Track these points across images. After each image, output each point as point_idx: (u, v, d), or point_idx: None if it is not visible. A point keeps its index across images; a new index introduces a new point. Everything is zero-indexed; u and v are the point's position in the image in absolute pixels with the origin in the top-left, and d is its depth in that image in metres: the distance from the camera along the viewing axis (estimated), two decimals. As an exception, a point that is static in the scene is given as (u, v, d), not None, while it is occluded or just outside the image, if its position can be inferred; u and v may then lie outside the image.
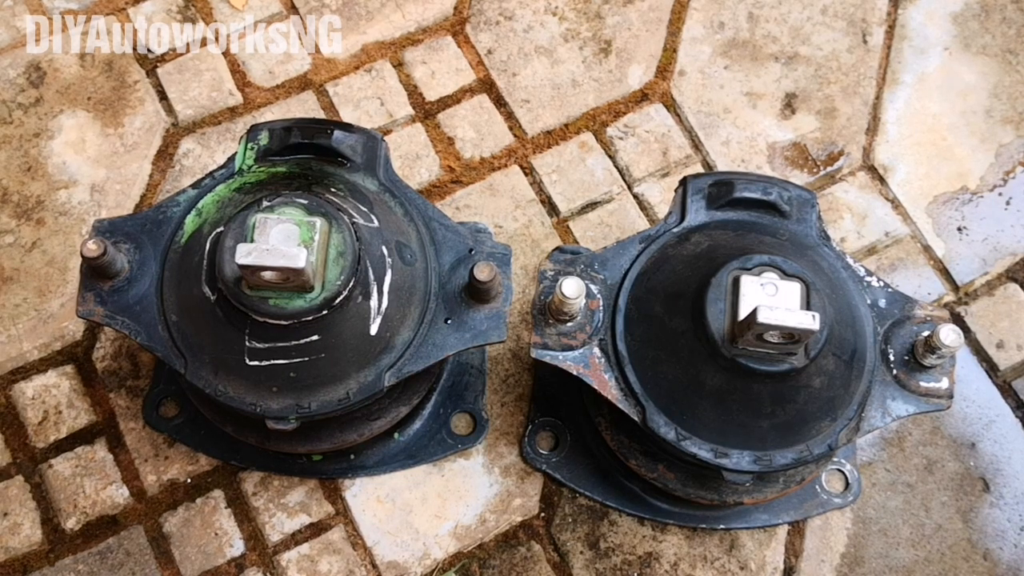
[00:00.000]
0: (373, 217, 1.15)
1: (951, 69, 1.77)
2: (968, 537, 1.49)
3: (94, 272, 1.15)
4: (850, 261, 1.26)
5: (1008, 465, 1.52)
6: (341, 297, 1.07)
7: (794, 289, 1.10)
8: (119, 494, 1.45)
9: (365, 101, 1.70)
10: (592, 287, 1.22)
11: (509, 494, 1.48)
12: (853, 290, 1.22)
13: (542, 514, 1.47)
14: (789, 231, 1.25)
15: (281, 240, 1.03)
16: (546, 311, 1.20)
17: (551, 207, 1.64)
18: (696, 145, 1.70)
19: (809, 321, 1.01)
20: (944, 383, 1.20)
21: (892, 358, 1.21)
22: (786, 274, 1.11)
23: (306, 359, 1.11)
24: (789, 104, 1.73)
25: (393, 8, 1.76)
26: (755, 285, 1.09)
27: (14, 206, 1.60)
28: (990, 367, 1.58)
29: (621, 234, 1.62)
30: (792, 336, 1.05)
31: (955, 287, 1.62)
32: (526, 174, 1.66)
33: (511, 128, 1.69)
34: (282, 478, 1.47)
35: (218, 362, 1.13)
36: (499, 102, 1.71)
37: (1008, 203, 1.68)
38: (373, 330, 1.13)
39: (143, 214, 1.21)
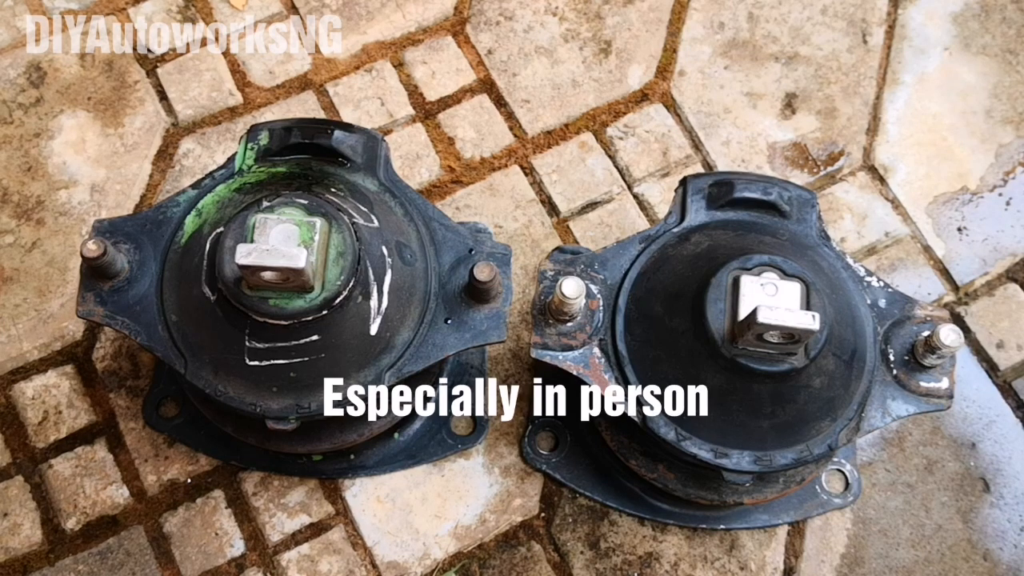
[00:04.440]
0: (373, 217, 1.15)
1: (951, 69, 1.77)
2: (968, 537, 1.49)
3: (94, 272, 1.15)
4: (850, 261, 1.26)
5: (1008, 465, 1.52)
6: (341, 297, 1.07)
7: (794, 289, 1.10)
8: (119, 494, 1.45)
9: (365, 101, 1.70)
10: (592, 287, 1.22)
11: (509, 494, 1.48)
12: (853, 290, 1.22)
13: (542, 514, 1.47)
14: (789, 231, 1.25)
15: (281, 240, 1.03)
16: (546, 311, 1.20)
17: (551, 207, 1.65)
18: (696, 145, 1.70)
19: (809, 321, 1.01)
20: (944, 383, 1.20)
21: (892, 358, 1.21)
22: (786, 274, 1.11)
23: (306, 359, 1.11)
24: (789, 104, 1.73)
25: (393, 8, 1.76)
26: (755, 285, 1.09)
27: (14, 206, 1.60)
28: (990, 367, 1.58)
29: (621, 234, 1.62)
30: (792, 336, 1.05)
31: (955, 287, 1.62)
32: (526, 174, 1.66)
33: (511, 128, 1.69)
34: (282, 478, 1.47)
35: (218, 362, 1.13)
36: (499, 102, 1.71)
37: (1008, 203, 1.68)
38: (373, 330, 1.13)
39: (143, 214, 1.21)
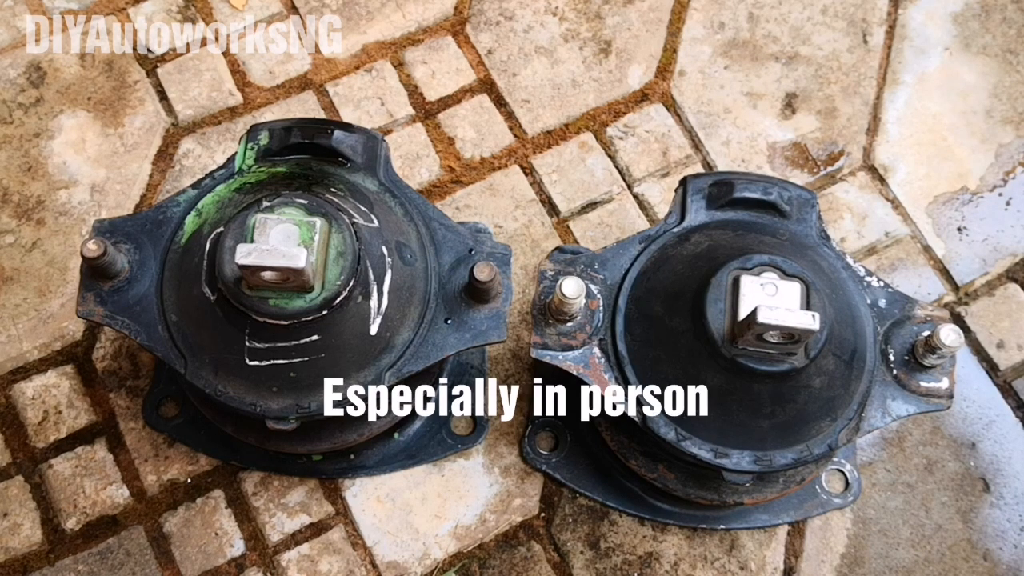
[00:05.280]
0: (373, 217, 1.15)
1: (951, 69, 1.77)
2: (968, 537, 1.49)
3: (94, 272, 1.15)
4: (850, 261, 1.26)
5: (1008, 465, 1.52)
6: (341, 297, 1.07)
7: (794, 289, 1.10)
8: (119, 494, 1.45)
9: (365, 101, 1.70)
10: (592, 287, 1.22)
11: (509, 494, 1.48)
12: (853, 290, 1.22)
13: (542, 514, 1.47)
14: (789, 231, 1.25)
15: (281, 240, 1.03)
16: (546, 311, 1.20)
17: (551, 207, 1.65)
18: (696, 145, 1.70)
19: (809, 321, 1.01)
20: (944, 383, 1.20)
21: (892, 358, 1.21)
22: (786, 274, 1.11)
23: (306, 359, 1.11)
24: (789, 104, 1.73)
25: (393, 8, 1.76)
26: (755, 285, 1.09)
27: (14, 206, 1.60)
28: (990, 367, 1.58)
29: (621, 234, 1.62)
30: (792, 336, 1.05)
31: (955, 287, 1.62)
32: (526, 174, 1.66)
33: (511, 128, 1.69)
34: (282, 478, 1.47)
35: (218, 362, 1.13)
36: (499, 102, 1.71)
37: (1008, 203, 1.68)
38: (373, 330, 1.13)
39: (143, 214, 1.21)
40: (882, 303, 1.24)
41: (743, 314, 1.08)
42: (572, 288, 1.14)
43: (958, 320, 1.60)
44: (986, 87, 1.76)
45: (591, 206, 1.65)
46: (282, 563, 1.43)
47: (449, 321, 1.18)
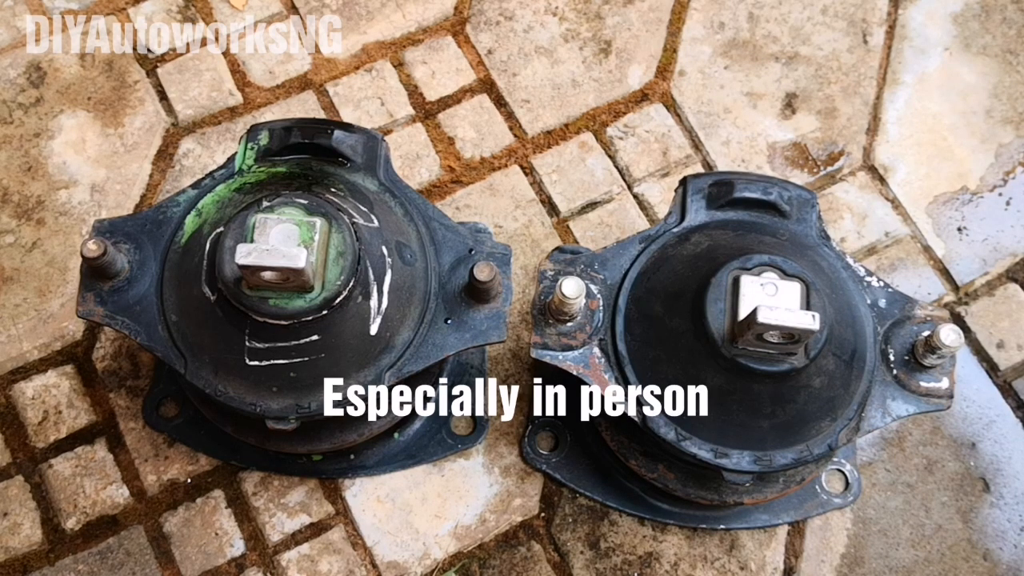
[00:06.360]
0: (373, 217, 1.15)
1: (951, 69, 1.77)
2: (968, 537, 1.49)
3: (94, 272, 1.15)
4: (850, 261, 1.26)
5: (1008, 465, 1.52)
6: (341, 297, 1.07)
7: (794, 289, 1.10)
8: (119, 494, 1.45)
9: (365, 101, 1.70)
10: (592, 287, 1.22)
11: (509, 494, 1.48)
12: (853, 290, 1.22)
13: (542, 514, 1.47)
14: (789, 231, 1.25)
15: (281, 240, 1.03)
16: (546, 311, 1.20)
17: (551, 207, 1.65)
18: (696, 145, 1.70)
19: (809, 321, 1.01)
20: (944, 383, 1.20)
21: (892, 358, 1.21)
22: (786, 274, 1.11)
23: (306, 359, 1.11)
24: (789, 104, 1.73)
25: (393, 8, 1.76)
26: (755, 285, 1.09)
27: (14, 206, 1.60)
28: (990, 367, 1.58)
29: (621, 234, 1.62)
30: (792, 336, 1.05)
31: (955, 287, 1.62)
32: (526, 174, 1.66)
33: (511, 128, 1.69)
34: (282, 478, 1.47)
35: (218, 362, 1.13)
36: (499, 102, 1.71)
37: (1008, 203, 1.68)
38: (373, 330, 1.13)
39: (143, 214, 1.21)
40: (882, 303, 1.24)
41: (743, 314, 1.08)
42: (572, 288, 1.14)
43: (958, 320, 1.60)
44: (986, 87, 1.76)
45: (591, 206, 1.65)
46: (282, 563, 1.43)
47: (449, 321, 1.18)
